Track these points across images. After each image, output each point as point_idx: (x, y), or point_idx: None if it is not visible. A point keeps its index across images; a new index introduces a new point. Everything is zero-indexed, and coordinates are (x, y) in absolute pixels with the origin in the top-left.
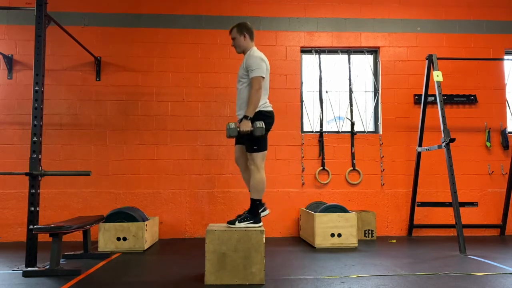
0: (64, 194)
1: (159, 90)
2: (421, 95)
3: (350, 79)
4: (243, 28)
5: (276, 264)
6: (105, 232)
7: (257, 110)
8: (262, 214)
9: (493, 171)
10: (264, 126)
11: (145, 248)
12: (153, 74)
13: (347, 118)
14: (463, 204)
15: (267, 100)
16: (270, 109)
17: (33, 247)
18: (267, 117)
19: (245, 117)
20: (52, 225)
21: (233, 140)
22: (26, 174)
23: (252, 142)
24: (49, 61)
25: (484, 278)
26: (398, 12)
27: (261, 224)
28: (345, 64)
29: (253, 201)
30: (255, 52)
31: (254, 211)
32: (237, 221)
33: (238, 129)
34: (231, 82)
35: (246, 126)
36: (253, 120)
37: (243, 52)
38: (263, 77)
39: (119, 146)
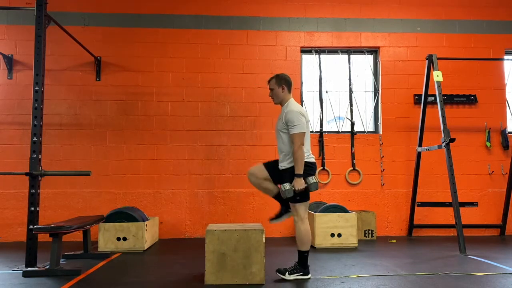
0: (64, 194)
1: (159, 90)
2: (421, 95)
3: (350, 79)
4: (281, 80)
5: (276, 264)
6: (105, 232)
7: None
8: (304, 277)
9: (493, 171)
10: (318, 180)
11: (145, 248)
12: (153, 74)
13: (347, 118)
14: (463, 204)
15: (309, 150)
16: (312, 160)
17: (33, 247)
18: (310, 168)
19: (297, 175)
20: (52, 225)
21: (233, 140)
22: (26, 174)
23: (295, 193)
24: (49, 61)
25: (484, 278)
26: (398, 12)
27: (309, 276)
28: (345, 64)
29: (301, 253)
30: (294, 106)
31: (303, 263)
32: (287, 273)
33: (293, 188)
34: (231, 82)
35: (300, 184)
36: (289, 173)
37: (280, 103)
38: (304, 132)
39: (119, 146)
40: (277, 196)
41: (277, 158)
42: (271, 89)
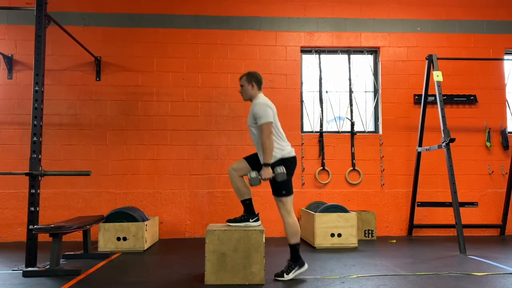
0: (64, 194)
1: (159, 90)
2: (421, 95)
3: (350, 79)
4: (252, 78)
5: (276, 264)
6: (105, 232)
7: (279, 157)
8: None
9: (493, 171)
10: (285, 171)
11: (145, 248)
12: (153, 74)
13: (347, 118)
14: (463, 204)
15: (289, 145)
16: (293, 154)
17: (33, 247)
18: (289, 164)
19: (265, 164)
20: (52, 225)
21: (233, 140)
22: (26, 174)
23: (279, 187)
24: (49, 61)
25: (484, 278)
26: (398, 12)
27: (306, 266)
28: (345, 64)
29: (293, 247)
30: (260, 99)
31: (295, 256)
32: (284, 274)
33: (260, 177)
34: (231, 82)
35: (267, 173)
36: (273, 165)
37: (250, 99)
38: (271, 122)
39: (119, 146)
40: (244, 202)
41: None
42: (241, 85)
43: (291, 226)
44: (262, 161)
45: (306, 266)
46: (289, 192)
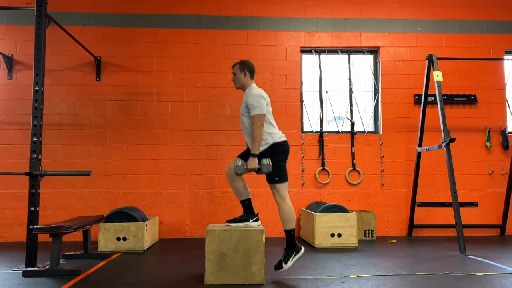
0: (64, 194)
1: (159, 90)
2: (421, 95)
3: (350, 79)
4: (244, 66)
5: None
6: (105, 232)
7: (271, 143)
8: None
9: (493, 171)
10: (270, 163)
11: (145, 248)
12: (153, 74)
13: (347, 118)
14: (463, 204)
15: (279, 131)
16: (283, 139)
17: (33, 247)
18: (281, 148)
19: (252, 155)
20: (52, 225)
21: (233, 140)
22: (26, 174)
23: (272, 173)
24: (49, 61)
25: (484, 278)
26: (398, 12)
27: (302, 249)
28: (345, 64)
29: (288, 232)
30: (254, 89)
31: (292, 243)
32: (283, 263)
33: (245, 166)
34: (231, 82)
35: (253, 163)
36: (262, 156)
37: (242, 88)
38: (264, 114)
39: (119, 146)
40: (244, 202)
41: None
42: (233, 73)
43: (286, 212)
44: (261, 152)
45: (302, 249)
46: (282, 179)
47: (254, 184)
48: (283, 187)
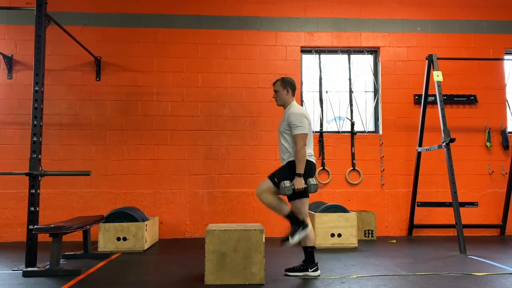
0: (64, 194)
1: (159, 90)
2: (421, 95)
3: (350, 79)
4: (287, 83)
5: (276, 264)
6: (105, 232)
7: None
8: (314, 274)
9: (493, 171)
10: (317, 182)
11: (145, 248)
12: (153, 74)
13: (347, 118)
14: (463, 204)
15: (312, 153)
16: (311, 159)
17: (33, 247)
18: (310, 168)
19: (298, 174)
20: (52, 225)
21: (233, 140)
22: (26, 174)
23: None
24: (49, 61)
25: (484, 278)
26: (398, 12)
27: (319, 272)
28: (345, 64)
29: (305, 249)
30: (296, 108)
31: (310, 259)
32: (289, 237)
33: (293, 187)
34: (231, 82)
35: (300, 183)
36: (306, 176)
37: (283, 105)
38: (307, 134)
39: (119, 146)
40: (289, 216)
41: (276, 157)
42: (275, 91)
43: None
44: (290, 164)
45: (319, 273)
46: (302, 195)
47: (253, 184)
48: (303, 205)
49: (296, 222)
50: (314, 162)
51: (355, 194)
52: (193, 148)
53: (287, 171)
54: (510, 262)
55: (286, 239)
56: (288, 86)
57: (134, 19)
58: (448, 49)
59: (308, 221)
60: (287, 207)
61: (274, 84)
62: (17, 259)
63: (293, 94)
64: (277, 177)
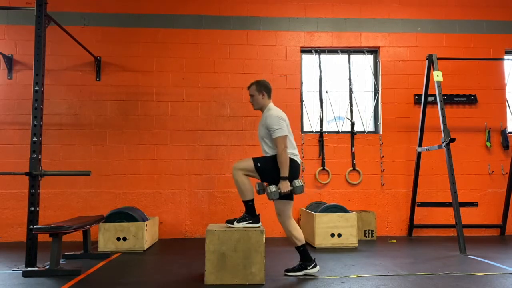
0: (64, 194)
1: (159, 90)
2: (421, 95)
3: (350, 79)
4: (261, 87)
5: (276, 264)
6: (105, 232)
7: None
8: (313, 271)
9: (493, 171)
10: (303, 183)
11: (145, 248)
12: (153, 74)
13: (347, 118)
14: (463, 204)
15: (296, 152)
16: (296, 158)
17: (33, 247)
18: (294, 168)
19: (283, 178)
20: (52, 225)
21: (233, 140)
22: (26, 174)
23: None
24: (49, 61)
25: (484, 278)
26: (398, 12)
27: (318, 268)
28: (345, 64)
29: (298, 249)
30: (273, 111)
31: (306, 256)
32: (235, 221)
33: (279, 190)
34: (231, 82)
35: (286, 187)
36: (291, 178)
37: (260, 109)
38: (287, 135)
39: (119, 146)
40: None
41: None
42: (251, 95)
43: (296, 229)
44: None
45: (317, 269)
46: (286, 197)
47: (253, 184)
48: (287, 206)
49: (250, 214)
50: (299, 162)
51: (355, 194)
52: (193, 148)
53: (271, 163)
54: (510, 262)
55: (231, 221)
56: (263, 90)
57: (134, 19)
58: (448, 49)
59: (291, 222)
60: (250, 195)
61: (248, 88)
62: (17, 259)
63: (269, 97)
64: (260, 162)
